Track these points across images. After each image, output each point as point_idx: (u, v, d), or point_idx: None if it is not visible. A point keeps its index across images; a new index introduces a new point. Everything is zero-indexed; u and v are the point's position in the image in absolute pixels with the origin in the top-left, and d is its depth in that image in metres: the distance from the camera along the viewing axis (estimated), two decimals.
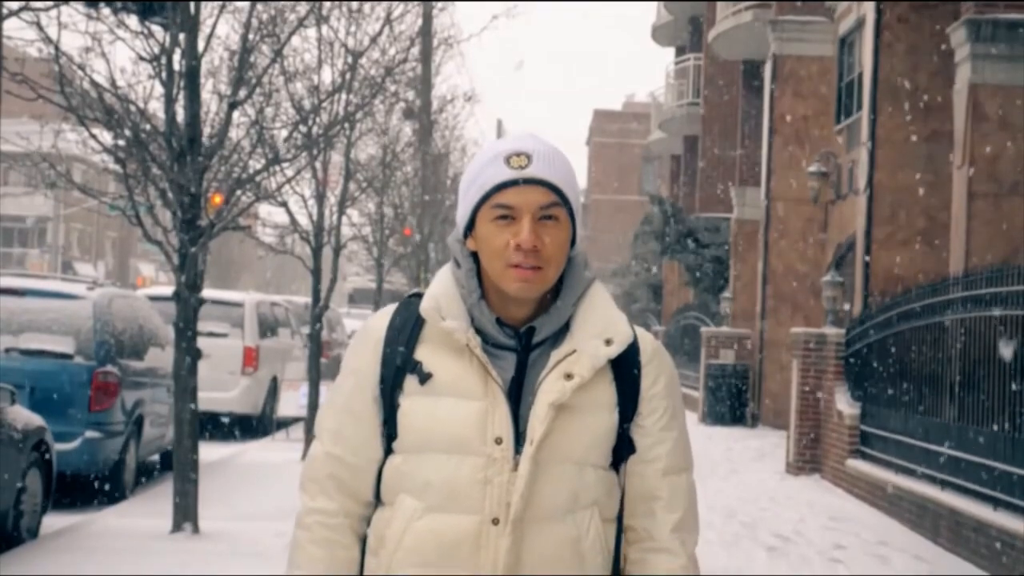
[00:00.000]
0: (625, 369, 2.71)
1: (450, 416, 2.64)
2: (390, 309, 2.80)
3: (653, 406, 2.76)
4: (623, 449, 2.74)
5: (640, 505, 2.75)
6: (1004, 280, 11.18)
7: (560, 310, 2.70)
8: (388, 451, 2.74)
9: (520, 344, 2.69)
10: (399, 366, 2.69)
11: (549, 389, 2.62)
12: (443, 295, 2.70)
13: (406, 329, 2.72)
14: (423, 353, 2.69)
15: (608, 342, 2.68)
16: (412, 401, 2.68)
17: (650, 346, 2.78)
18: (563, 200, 2.66)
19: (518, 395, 2.66)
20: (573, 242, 2.72)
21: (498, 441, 2.61)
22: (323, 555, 2.72)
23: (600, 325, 2.70)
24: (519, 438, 2.62)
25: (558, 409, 2.61)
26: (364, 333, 2.79)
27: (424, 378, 2.67)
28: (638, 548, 2.76)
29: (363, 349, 2.76)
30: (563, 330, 2.71)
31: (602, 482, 2.70)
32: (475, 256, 2.71)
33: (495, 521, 2.60)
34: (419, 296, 2.77)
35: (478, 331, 2.68)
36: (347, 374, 2.80)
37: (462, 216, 2.72)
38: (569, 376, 2.63)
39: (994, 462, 11.04)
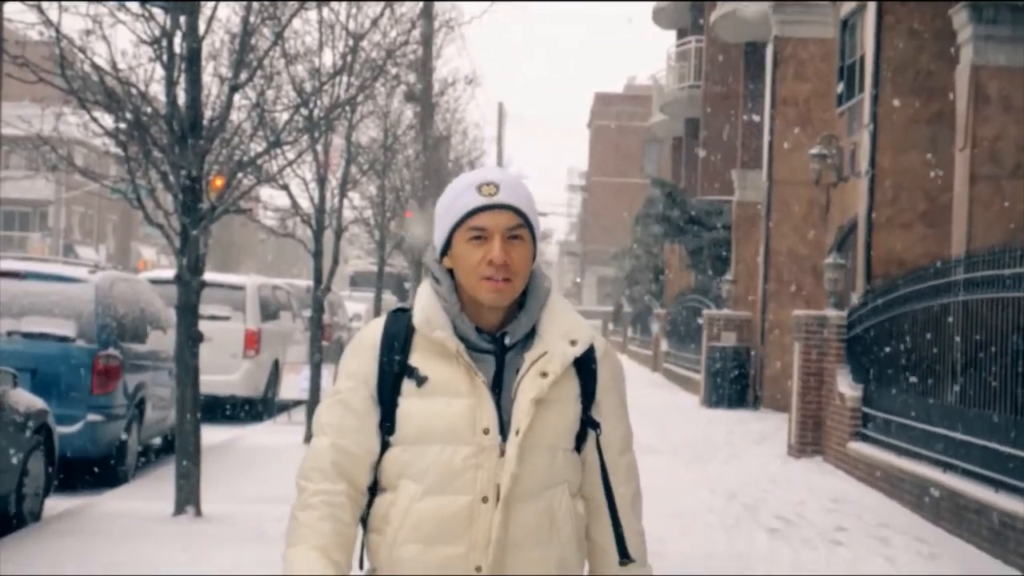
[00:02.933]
0: (584, 365, 3.15)
1: (444, 412, 3.06)
2: (380, 322, 3.20)
3: (608, 397, 3.20)
4: (585, 432, 3.17)
5: (600, 481, 3.18)
6: (1005, 262, 11.17)
7: (528, 317, 3.14)
8: (384, 444, 3.14)
9: (497, 348, 3.12)
10: (397, 372, 3.11)
11: (528, 387, 3.06)
12: (430, 309, 3.12)
13: (399, 340, 3.13)
14: (417, 360, 3.11)
15: (573, 343, 3.13)
16: (410, 401, 3.09)
17: (602, 345, 3.21)
18: (526, 222, 3.11)
19: (498, 391, 3.09)
20: (534, 257, 3.15)
21: (486, 432, 3.04)
22: (329, 528, 3.08)
23: (564, 328, 3.14)
24: (502, 428, 3.06)
25: (537, 403, 3.05)
26: (360, 342, 3.20)
27: (421, 381, 3.08)
28: (599, 517, 3.20)
29: (361, 355, 3.17)
30: (530, 333, 3.14)
31: (569, 462, 3.15)
32: (451, 272, 3.15)
33: (484, 499, 3.03)
34: (403, 311, 3.20)
35: (461, 338, 3.10)
36: (347, 377, 3.18)
37: (439, 238, 3.15)
38: (544, 374, 3.07)
39: (995, 444, 11.05)
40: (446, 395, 3.07)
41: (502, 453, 3.04)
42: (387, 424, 3.12)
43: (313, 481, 3.13)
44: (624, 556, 3.18)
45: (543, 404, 3.06)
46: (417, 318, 3.11)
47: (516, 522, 3.04)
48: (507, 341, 3.13)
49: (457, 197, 3.12)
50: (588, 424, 3.16)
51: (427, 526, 3.04)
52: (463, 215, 3.09)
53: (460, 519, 3.03)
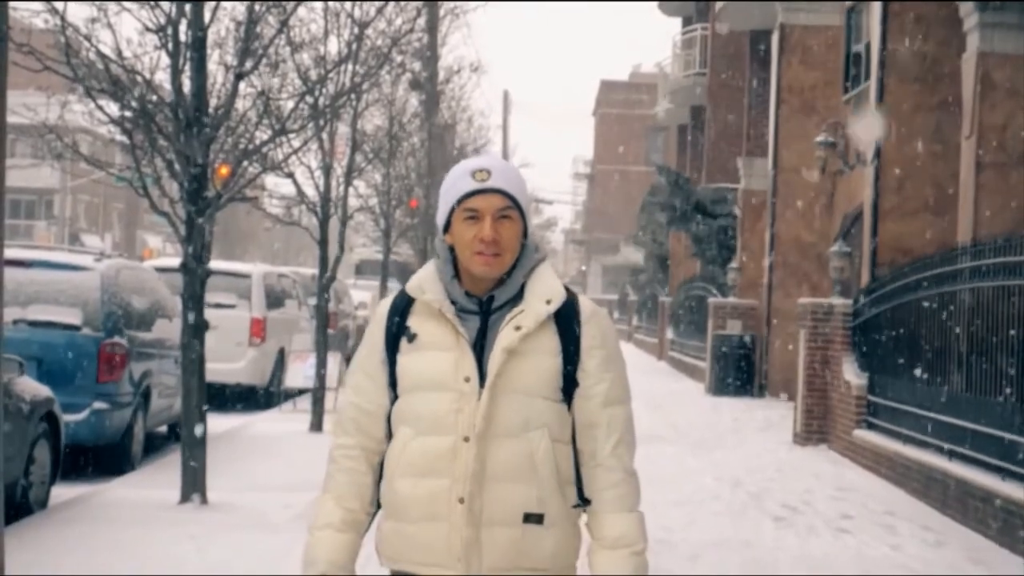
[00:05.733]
0: (567, 325, 3.58)
1: (431, 364, 3.55)
2: (393, 295, 3.74)
3: (592, 354, 3.59)
4: (570, 386, 3.58)
5: (585, 432, 3.59)
6: (1012, 250, 11.15)
7: (513, 282, 3.60)
8: (395, 399, 3.64)
9: (482, 309, 3.58)
10: (395, 333, 3.64)
11: (503, 338, 3.51)
12: (425, 278, 3.64)
13: (401, 306, 3.66)
14: (412, 321, 3.62)
15: (548, 302, 3.56)
16: (406, 356, 3.60)
17: (588, 308, 3.63)
18: (515, 204, 3.57)
19: (483, 346, 3.54)
20: (526, 234, 3.62)
21: (467, 380, 3.51)
22: (345, 479, 3.65)
23: (543, 290, 3.58)
24: (483, 378, 3.51)
25: (509, 353, 3.50)
26: (376, 313, 3.73)
27: (411, 338, 3.60)
28: (586, 467, 3.60)
29: (375, 324, 3.71)
30: (518, 297, 3.59)
31: (550, 410, 3.55)
32: (452, 248, 3.61)
33: (466, 439, 3.48)
34: None
35: (453, 302, 3.58)
36: (364, 343, 3.73)
37: (441, 218, 3.63)
38: (518, 328, 3.52)
39: (1002, 432, 11.04)
40: (434, 349, 3.56)
41: (480, 398, 3.49)
42: (394, 380, 3.63)
43: (336, 436, 3.71)
44: (579, 498, 3.59)
45: (517, 354, 3.50)
46: (410, 284, 3.65)
47: (494, 458, 3.49)
48: (494, 303, 3.59)
49: (455, 182, 3.59)
50: (569, 380, 3.58)
51: (417, 463, 3.52)
52: (459, 198, 3.56)
53: (445, 456, 3.50)
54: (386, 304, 3.72)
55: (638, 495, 3.63)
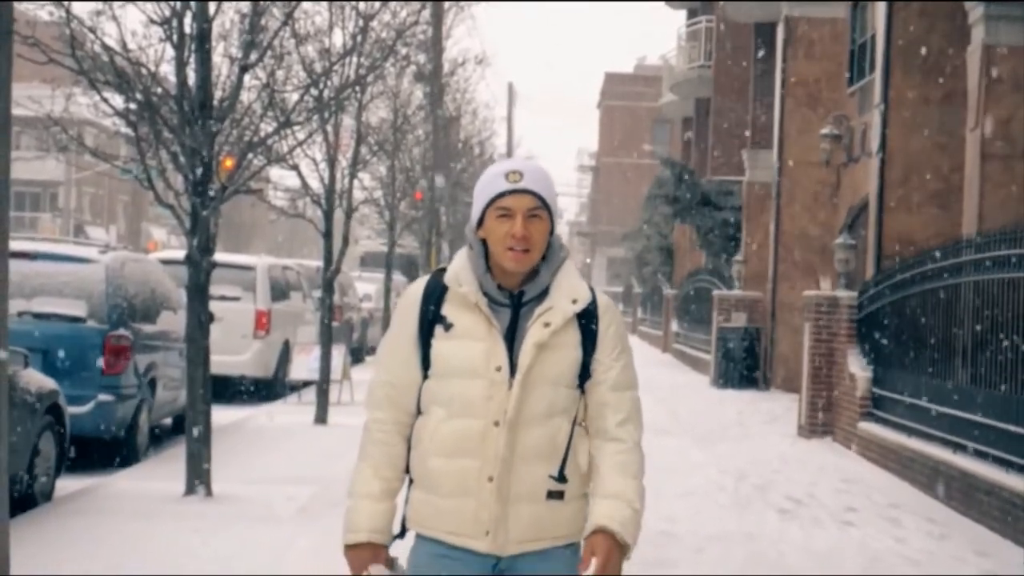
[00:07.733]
0: (587, 320, 3.90)
1: (465, 352, 3.84)
2: (424, 279, 4.02)
3: (606, 344, 3.92)
4: (585, 374, 3.91)
5: (596, 411, 3.91)
6: (1017, 242, 11.14)
7: (541, 279, 3.89)
8: (425, 377, 3.91)
9: (513, 303, 3.88)
10: (431, 320, 3.90)
11: (533, 333, 3.83)
12: (461, 269, 3.91)
13: (435, 294, 3.92)
14: (447, 310, 3.89)
15: (574, 301, 3.88)
16: (441, 343, 3.88)
17: (603, 303, 3.96)
18: (544, 204, 3.85)
19: (512, 337, 3.84)
20: (552, 232, 3.92)
21: (498, 369, 3.81)
22: (378, 451, 3.94)
23: (569, 289, 3.90)
24: (512, 367, 3.81)
25: (539, 348, 3.82)
26: (407, 295, 4.00)
27: (448, 327, 3.87)
28: (596, 441, 3.91)
29: (407, 306, 3.97)
30: (544, 292, 3.88)
31: (570, 397, 3.88)
32: (484, 242, 3.89)
33: (496, 424, 3.79)
34: (443, 271, 3.97)
35: (485, 294, 3.86)
36: (396, 323, 4.00)
37: (475, 214, 3.92)
38: (547, 324, 3.83)
39: (1006, 424, 11.04)
40: (468, 339, 3.84)
41: (511, 387, 3.79)
42: (425, 361, 3.90)
43: (370, 410, 3.98)
44: (559, 475, 3.84)
45: (545, 348, 3.81)
46: (448, 276, 3.91)
47: (522, 442, 3.79)
48: (524, 298, 3.87)
49: (489, 182, 3.88)
50: (584, 369, 3.89)
51: (449, 443, 3.82)
52: (493, 196, 3.85)
53: (475, 438, 3.80)
54: (418, 288, 3.98)
55: (642, 467, 3.92)
